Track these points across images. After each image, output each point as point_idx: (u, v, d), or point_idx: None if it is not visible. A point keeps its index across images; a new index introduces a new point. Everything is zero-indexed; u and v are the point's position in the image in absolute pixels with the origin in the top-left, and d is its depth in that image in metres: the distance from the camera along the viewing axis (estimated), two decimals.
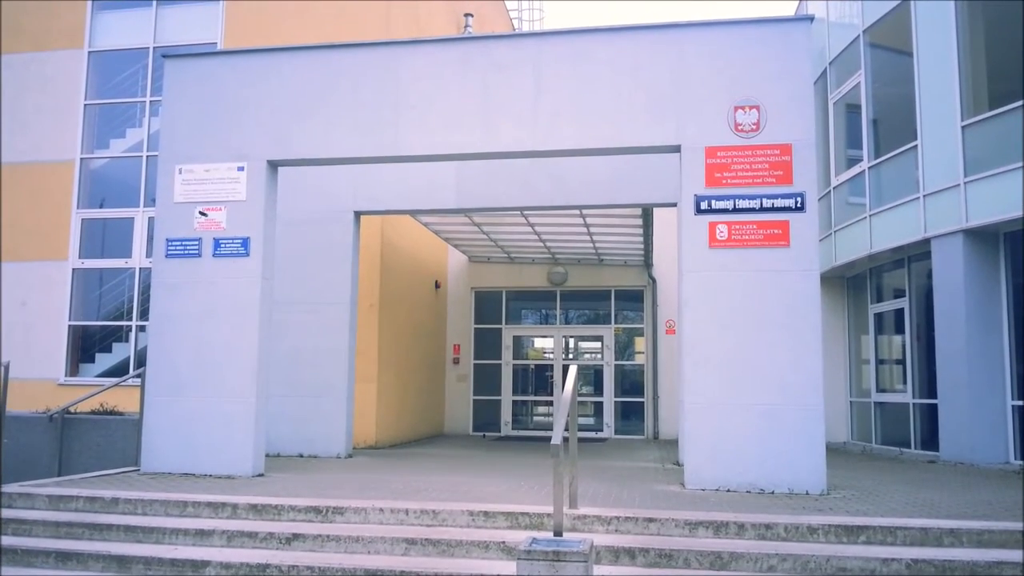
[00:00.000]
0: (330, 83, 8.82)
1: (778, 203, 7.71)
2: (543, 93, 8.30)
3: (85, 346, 14.17)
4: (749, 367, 7.66)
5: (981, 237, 10.59)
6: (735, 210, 7.77)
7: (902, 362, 12.54)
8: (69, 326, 13.86)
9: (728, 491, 7.47)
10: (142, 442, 8.74)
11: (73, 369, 13.92)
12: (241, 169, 8.77)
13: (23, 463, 9.34)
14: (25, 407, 10.99)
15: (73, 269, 13.97)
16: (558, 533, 5.03)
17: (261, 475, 8.55)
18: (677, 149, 8.06)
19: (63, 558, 6.01)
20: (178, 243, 8.81)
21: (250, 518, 6.55)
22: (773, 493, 7.38)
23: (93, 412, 10.60)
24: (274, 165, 8.96)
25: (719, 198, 7.81)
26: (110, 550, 6.00)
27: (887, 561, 5.34)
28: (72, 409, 10.40)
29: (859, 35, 13.16)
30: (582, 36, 8.44)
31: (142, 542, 6.24)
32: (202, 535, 6.21)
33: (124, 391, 11.21)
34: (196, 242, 8.78)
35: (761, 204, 7.73)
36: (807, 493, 7.35)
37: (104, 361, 14.03)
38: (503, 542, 5.72)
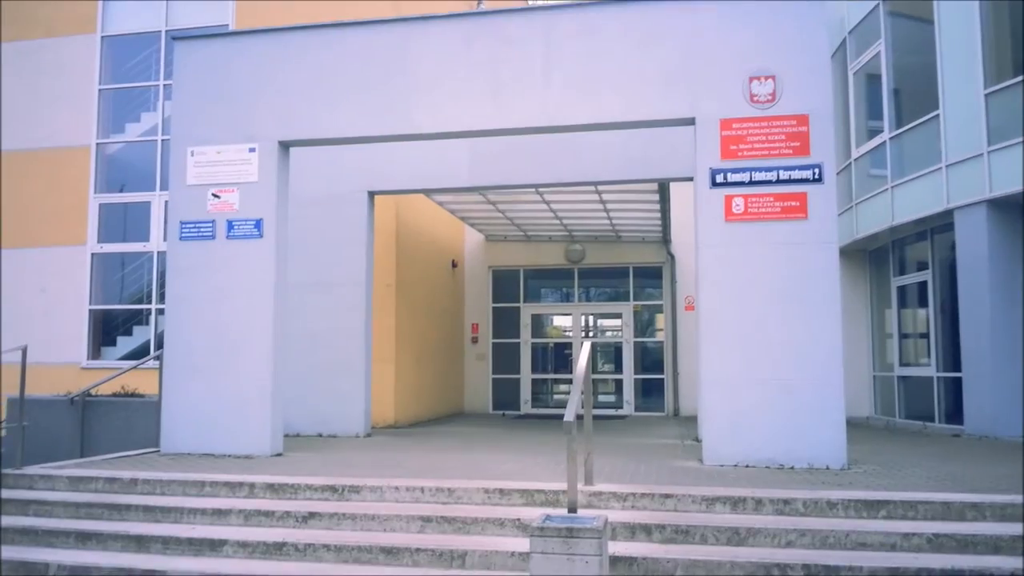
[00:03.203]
0: (339, 62, 8.76)
1: (795, 175, 7.56)
2: (554, 68, 8.18)
3: (107, 330, 14.30)
4: (767, 342, 7.56)
5: (1005, 207, 10.38)
6: (751, 183, 7.63)
7: (926, 336, 12.36)
8: (89, 310, 13.98)
9: (747, 467, 7.40)
10: (161, 423, 8.80)
11: (95, 353, 14.06)
12: (252, 150, 8.74)
13: (45, 445, 9.44)
14: (49, 391, 11.10)
15: (92, 254, 14.07)
16: (572, 510, 4.99)
17: (279, 455, 8.58)
18: (691, 122, 7.93)
19: (83, 538, 6.06)
20: (192, 225, 8.82)
21: (267, 497, 6.58)
22: (792, 468, 7.30)
23: (114, 395, 10.70)
24: (285, 146, 8.92)
25: (735, 171, 7.68)
26: (129, 530, 6.05)
27: (908, 536, 5.27)
28: (93, 392, 10.49)
29: (878, 3, 12.88)
30: (593, 9, 8.29)
31: (160, 522, 6.28)
32: (219, 514, 6.24)
33: (145, 373, 11.32)
34: (210, 224, 8.78)
35: (778, 176, 7.59)
36: (827, 468, 7.27)
37: (125, 344, 14.16)
38: (518, 519, 5.70)
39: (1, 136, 14.34)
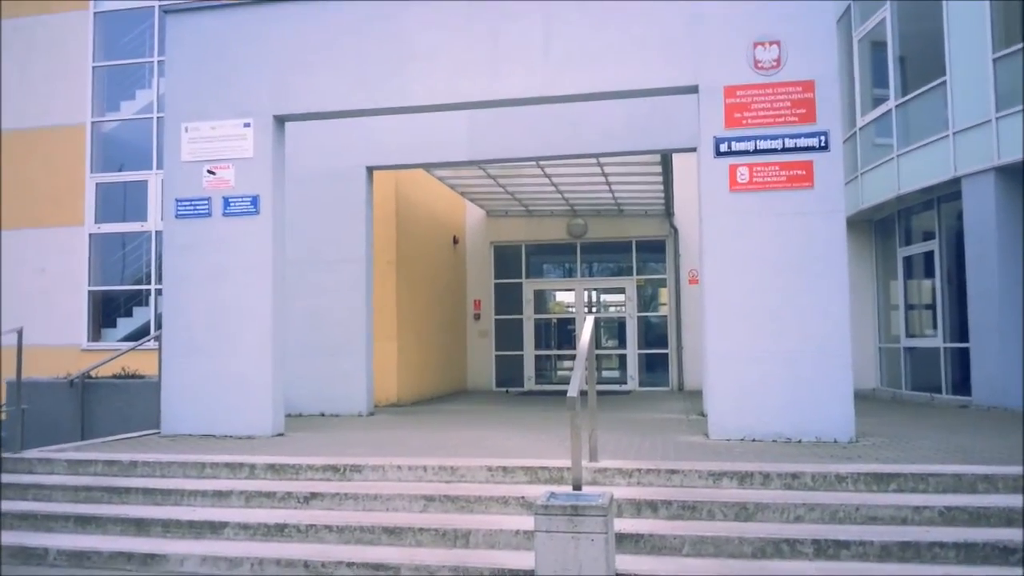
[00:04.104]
0: (334, 34, 8.55)
1: (801, 143, 7.39)
2: (553, 36, 7.98)
3: (107, 311, 14.22)
4: (773, 313, 7.43)
5: (1014, 175, 10.20)
6: (756, 151, 7.46)
7: (932, 306, 12.23)
8: (89, 292, 13.88)
9: (753, 441, 7.30)
10: (161, 405, 8.71)
11: (95, 334, 14.00)
12: (247, 125, 8.58)
13: (46, 429, 9.37)
14: (50, 373, 11.03)
15: (90, 234, 13.95)
16: (577, 487, 4.90)
17: (281, 435, 8.50)
18: (695, 90, 7.75)
19: (82, 522, 5.99)
20: (187, 203, 8.68)
21: (268, 478, 6.49)
22: (800, 442, 7.20)
23: (114, 376, 10.62)
24: (280, 120, 8.75)
25: (739, 139, 7.50)
26: (128, 513, 5.98)
27: (919, 509, 5.18)
28: (93, 374, 10.41)
29: None
30: None
31: (160, 504, 6.21)
32: (220, 496, 6.16)
33: (146, 354, 11.24)
34: (205, 201, 8.64)
35: (783, 144, 7.41)
36: (835, 441, 7.17)
37: (126, 325, 14.09)
38: (522, 497, 5.61)
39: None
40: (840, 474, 5.68)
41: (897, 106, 12.43)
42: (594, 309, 17.68)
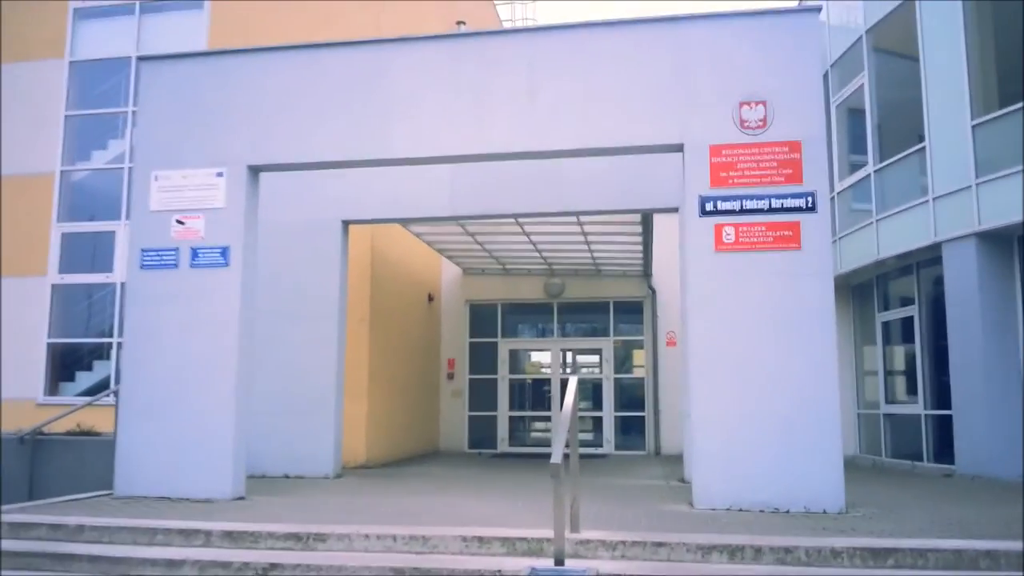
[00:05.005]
0: (314, 84, 8.38)
1: (788, 203, 7.27)
2: (538, 92, 7.86)
3: (66, 364, 13.66)
4: (760, 376, 7.20)
5: (995, 240, 10.18)
6: (742, 211, 7.32)
7: (912, 372, 12.09)
8: (48, 344, 13.35)
9: (740, 510, 6.98)
10: (116, 464, 8.23)
11: (53, 388, 13.40)
12: (220, 175, 8.31)
13: None
14: (3, 428, 10.47)
15: (52, 285, 13.49)
16: (559, 561, 4.57)
17: (241, 498, 8.04)
18: (680, 148, 7.63)
19: None
20: (154, 253, 8.34)
21: (224, 546, 6.05)
22: (788, 512, 6.90)
23: (68, 433, 10.09)
24: (255, 170, 8.50)
25: (725, 199, 7.37)
26: None
27: None
28: (46, 429, 9.89)
29: (861, 36, 12.81)
30: (579, 31, 7.99)
31: (107, 574, 5.74)
32: (171, 565, 5.70)
33: (105, 410, 10.71)
34: (173, 252, 8.32)
35: (770, 204, 7.29)
36: (824, 512, 6.87)
37: (85, 380, 13.51)
38: (499, 571, 5.23)
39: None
40: (835, 548, 5.38)
41: (875, 171, 12.47)
42: (569, 370, 17.37)
